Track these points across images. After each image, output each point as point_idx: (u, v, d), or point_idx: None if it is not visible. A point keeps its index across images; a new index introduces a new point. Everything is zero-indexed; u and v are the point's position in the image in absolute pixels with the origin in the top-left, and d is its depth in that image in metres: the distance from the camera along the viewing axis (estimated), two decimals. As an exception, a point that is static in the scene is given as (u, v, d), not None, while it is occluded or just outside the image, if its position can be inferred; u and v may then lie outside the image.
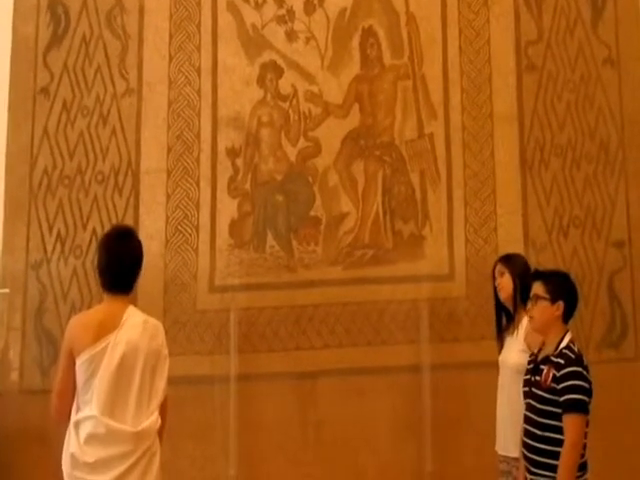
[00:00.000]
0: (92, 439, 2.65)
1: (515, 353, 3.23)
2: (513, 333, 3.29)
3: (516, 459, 3.14)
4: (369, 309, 4.39)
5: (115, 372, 2.68)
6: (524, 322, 3.22)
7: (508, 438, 3.21)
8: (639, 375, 4.32)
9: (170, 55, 4.63)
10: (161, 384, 2.78)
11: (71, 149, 4.55)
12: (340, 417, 4.27)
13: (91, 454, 2.64)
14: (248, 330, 4.37)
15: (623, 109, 4.57)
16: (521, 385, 3.02)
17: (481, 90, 4.59)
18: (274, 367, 4.33)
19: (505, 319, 3.40)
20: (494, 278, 3.43)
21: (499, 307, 3.42)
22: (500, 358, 3.35)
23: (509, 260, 3.43)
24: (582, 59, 4.63)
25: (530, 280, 3.04)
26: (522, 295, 3.22)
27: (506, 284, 3.34)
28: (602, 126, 4.56)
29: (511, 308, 3.34)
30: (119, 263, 2.82)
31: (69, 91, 4.59)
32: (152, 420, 2.73)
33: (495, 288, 3.41)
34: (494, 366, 3.37)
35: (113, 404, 2.67)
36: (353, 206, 4.51)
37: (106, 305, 2.83)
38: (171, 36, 4.65)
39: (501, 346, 3.38)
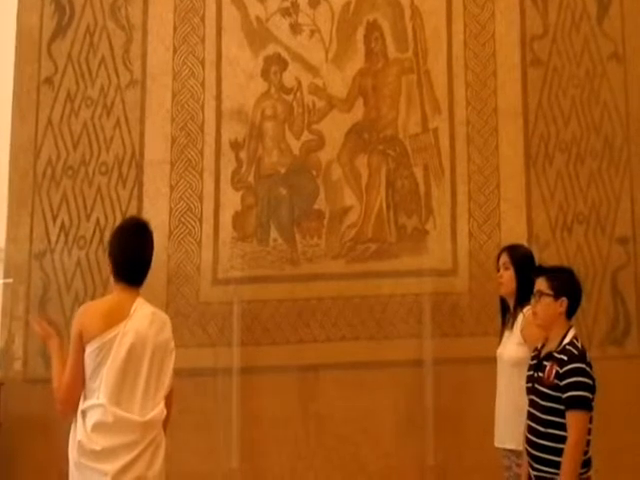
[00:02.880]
0: (99, 427, 2.65)
1: (511, 346, 3.23)
2: (511, 327, 3.28)
3: (512, 451, 3.15)
4: (372, 303, 4.39)
5: (124, 361, 2.68)
6: (520, 316, 3.22)
7: (505, 430, 3.21)
8: (642, 373, 4.33)
9: (174, 47, 4.63)
10: (167, 376, 2.80)
11: (75, 140, 4.55)
12: (342, 410, 4.28)
13: (98, 442, 2.63)
14: (251, 323, 4.37)
15: (628, 105, 4.56)
16: (522, 380, 3.01)
17: (486, 85, 4.57)
18: (277, 360, 4.34)
19: (504, 313, 3.39)
20: (497, 268, 3.40)
21: (503, 299, 3.40)
22: (497, 352, 3.34)
23: (516, 254, 3.37)
24: (587, 54, 4.61)
25: (534, 275, 3.03)
26: (524, 290, 3.20)
27: (508, 280, 3.31)
28: (607, 122, 4.54)
29: (511, 303, 3.32)
30: (138, 257, 2.85)
31: (73, 82, 4.60)
32: (158, 411, 2.74)
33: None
34: (496, 361, 3.35)
35: (121, 393, 2.68)
36: (356, 200, 4.51)
37: (116, 295, 2.84)
38: (175, 28, 4.64)
39: (500, 339, 3.37)
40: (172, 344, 2.86)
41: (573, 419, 2.73)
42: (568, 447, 2.73)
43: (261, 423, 4.29)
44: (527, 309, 3.18)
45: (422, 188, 4.52)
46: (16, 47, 4.62)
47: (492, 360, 3.39)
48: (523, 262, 3.30)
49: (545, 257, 3.98)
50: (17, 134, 4.56)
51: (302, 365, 4.34)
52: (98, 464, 2.63)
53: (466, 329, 4.35)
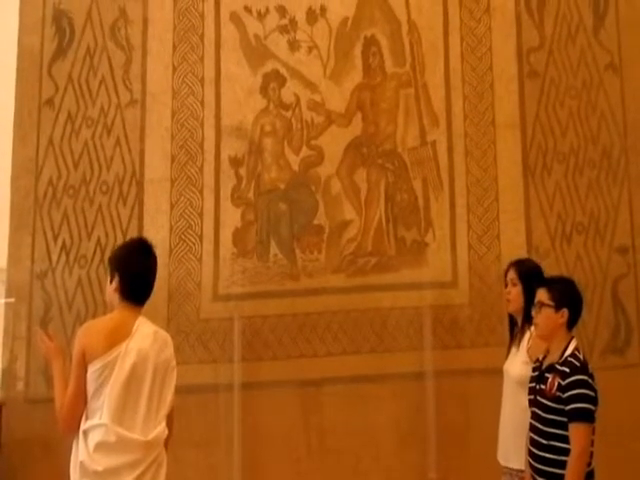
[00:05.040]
0: (102, 447, 2.64)
1: (518, 365, 3.19)
2: (518, 344, 3.24)
3: (518, 470, 3.10)
4: (372, 316, 4.39)
5: (126, 381, 2.69)
6: (527, 335, 3.19)
7: (510, 449, 3.17)
8: (643, 381, 4.30)
9: (174, 65, 4.66)
10: (169, 395, 2.80)
11: (76, 159, 4.59)
12: (344, 424, 4.27)
13: (100, 462, 2.63)
14: (252, 338, 4.38)
15: (626, 114, 4.56)
16: (526, 394, 2.99)
17: (483, 97, 4.59)
18: (278, 375, 4.34)
19: (511, 327, 3.35)
20: (505, 284, 3.35)
21: (511, 315, 3.36)
22: (504, 367, 3.30)
23: (523, 270, 3.32)
24: (584, 65, 4.62)
25: (535, 286, 3.01)
26: (531, 306, 3.17)
27: (515, 297, 3.27)
28: (605, 132, 4.55)
29: (518, 319, 3.28)
30: (146, 277, 2.87)
31: (74, 102, 4.64)
32: (160, 430, 2.74)
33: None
34: (497, 373, 3.34)
35: (123, 413, 2.67)
36: (356, 214, 4.52)
37: (118, 314, 2.85)
38: (175, 47, 4.68)
39: (507, 354, 3.33)
40: (173, 362, 2.87)
41: (576, 431, 2.72)
42: (571, 459, 2.71)
43: (263, 438, 4.28)
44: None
45: (421, 201, 4.53)
46: (17, 68, 4.67)
47: (493, 371, 3.38)
48: (530, 278, 3.24)
49: (545, 267, 3.91)
50: (18, 155, 4.59)
51: (303, 380, 4.34)
52: None
53: (467, 341, 4.34)
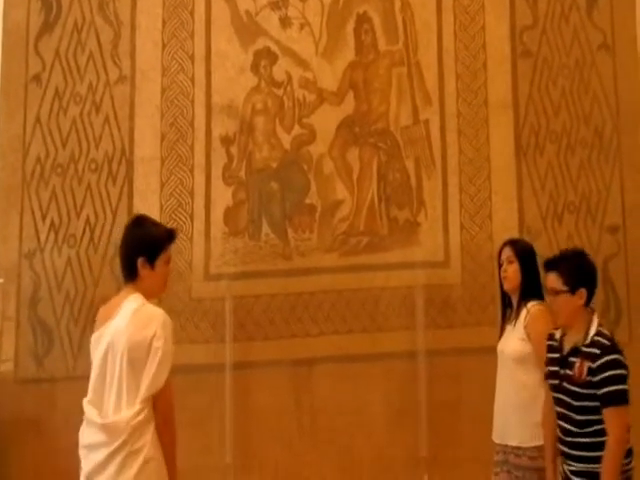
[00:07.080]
0: (84, 425, 2.73)
1: (514, 341, 3.18)
2: (514, 322, 3.23)
3: (514, 448, 3.12)
4: (364, 296, 4.39)
5: (101, 361, 2.68)
6: (524, 312, 3.19)
7: (510, 427, 3.17)
8: (632, 359, 4.31)
9: (163, 42, 4.59)
10: (149, 376, 2.62)
11: (64, 137, 4.52)
12: (336, 404, 4.28)
13: (83, 438, 2.72)
14: (243, 318, 4.36)
15: (618, 94, 4.55)
16: (525, 375, 3.02)
17: (476, 76, 4.56)
18: (270, 355, 4.33)
19: (505, 306, 3.35)
20: (500, 263, 3.34)
21: (504, 293, 3.35)
22: (498, 348, 3.29)
23: (518, 247, 3.33)
24: (577, 44, 4.60)
25: (545, 270, 2.91)
26: (528, 284, 3.20)
27: (513, 274, 3.26)
28: (597, 112, 4.54)
29: (514, 297, 3.28)
30: (122, 254, 2.85)
31: (61, 79, 4.55)
32: (130, 414, 2.60)
33: (499, 271, 3.34)
34: (489, 352, 3.35)
35: (99, 394, 2.68)
36: (348, 193, 4.49)
37: (119, 294, 2.85)
38: (164, 23, 4.60)
39: (501, 334, 3.33)
40: (158, 342, 2.63)
41: (611, 417, 2.59)
42: (610, 444, 2.58)
43: (255, 418, 4.28)
44: (531, 304, 3.16)
45: (413, 180, 4.51)
46: (3, 44, 4.57)
47: (485, 351, 3.40)
48: (526, 255, 3.27)
49: (536, 247, 3.95)
50: (5, 132, 4.51)
51: (295, 359, 4.34)
52: (84, 459, 2.69)
53: (458, 320, 4.36)
